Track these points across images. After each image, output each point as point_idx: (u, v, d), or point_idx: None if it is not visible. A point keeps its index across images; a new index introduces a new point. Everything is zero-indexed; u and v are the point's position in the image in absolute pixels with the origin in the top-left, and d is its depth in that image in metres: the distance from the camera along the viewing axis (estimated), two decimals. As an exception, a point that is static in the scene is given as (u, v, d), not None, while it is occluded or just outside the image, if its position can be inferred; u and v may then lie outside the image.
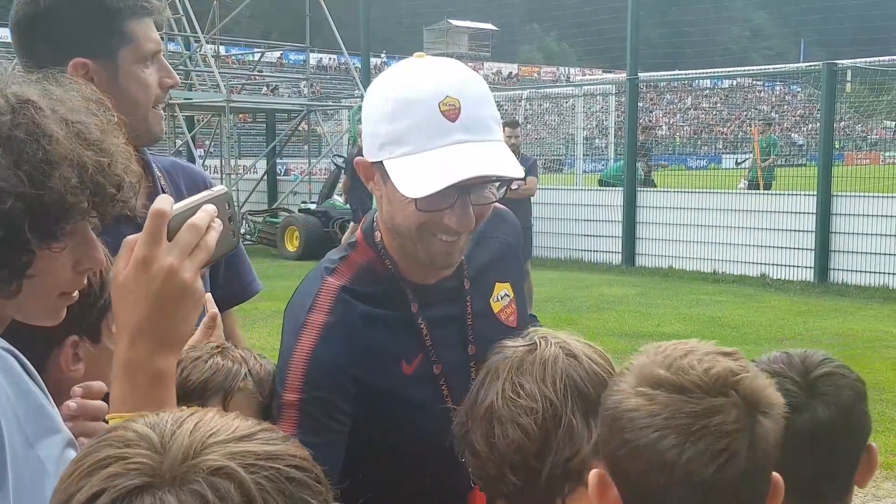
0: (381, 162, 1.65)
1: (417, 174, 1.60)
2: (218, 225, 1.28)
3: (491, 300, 1.88)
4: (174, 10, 18.32)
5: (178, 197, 2.26)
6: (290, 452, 0.90)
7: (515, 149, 11.27)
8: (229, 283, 2.37)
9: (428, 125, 1.61)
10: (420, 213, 1.65)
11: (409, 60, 1.72)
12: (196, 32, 19.00)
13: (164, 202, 1.25)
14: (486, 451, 1.49)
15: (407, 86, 1.65)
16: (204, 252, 1.26)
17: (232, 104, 18.14)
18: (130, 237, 1.25)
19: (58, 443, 1.20)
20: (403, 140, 1.62)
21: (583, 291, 12.39)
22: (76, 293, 1.33)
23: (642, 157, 15.10)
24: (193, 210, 1.27)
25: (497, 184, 1.69)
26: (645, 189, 14.94)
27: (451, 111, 1.61)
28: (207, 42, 19.53)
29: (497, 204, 1.95)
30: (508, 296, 1.92)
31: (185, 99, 18.26)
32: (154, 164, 2.25)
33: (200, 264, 1.26)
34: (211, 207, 1.28)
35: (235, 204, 1.67)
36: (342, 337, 1.71)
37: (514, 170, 1.63)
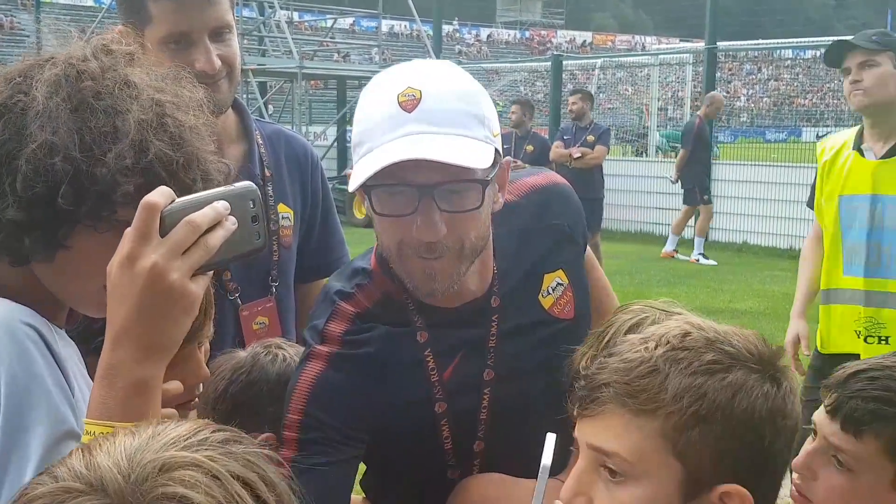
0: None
1: (362, 170, 1.45)
2: (230, 223, 1.16)
3: (539, 297, 1.73)
4: (249, -24, 18.45)
5: (276, 165, 2.30)
6: (202, 423, 0.87)
7: (520, 125, 10.89)
8: (318, 254, 2.38)
9: (384, 119, 1.45)
10: (392, 228, 1.50)
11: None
12: (270, -2, 19.11)
13: (158, 194, 1.14)
14: None
15: (376, 83, 1.53)
16: (201, 252, 1.14)
17: (304, 70, 18.25)
18: (129, 228, 1.15)
19: (51, 434, 1.15)
20: (364, 139, 1.48)
21: (653, 265, 12.19)
22: None
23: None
24: (199, 206, 1.15)
25: (478, 186, 1.48)
26: (720, 162, 14.60)
27: (408, 102, 1.44)
28: (281, 8, 19.64)
29: (549, 181, 1.82)
30: (562, 284, 1.75)
31: (258, 65, 18.44)
32: (256, 130, 2.28)
33: (195, 265, 1.13)
34: (222, 204, 1.16)
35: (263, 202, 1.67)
36: (351, 367, 1.62)
37: (467, 159, 1.42)
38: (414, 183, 1.44)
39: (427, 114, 1.44)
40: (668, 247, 12.97)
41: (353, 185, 1.47)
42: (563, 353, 1.67)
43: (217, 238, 1.15)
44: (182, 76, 1.33)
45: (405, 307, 1.65)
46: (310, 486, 1.54)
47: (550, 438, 1.27)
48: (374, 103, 1.49)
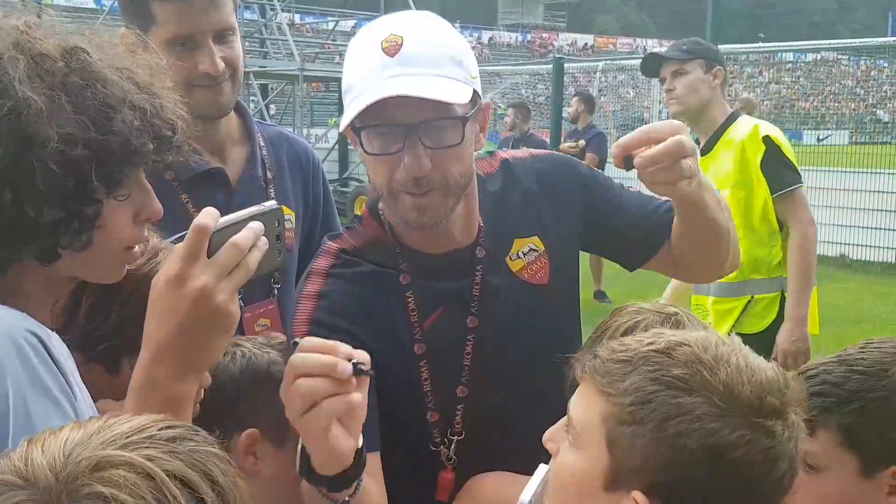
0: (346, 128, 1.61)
1: (350, 111, 1.54)
2: (263, 244, 1.21)
3: (507, 259, 1.77)
4: (251, -22, 18.46)
5: (278, 167, 2.32)
6: (153, 419, 0.89)
7: (514, 127, 10.93)
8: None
9: (369, 64, 1.54)
10: (382, 166, 1.59)
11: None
12: (272, 0, 19.11)
13: (207, 216, 1.18)
14: None
15: (362, 34, 1.63)
16: (243, 273, 1.18)
17: (305, 73, 18.26)
18: (179, 247, 1.18)
19: None
20: (353, 86, 1.57)
21: (654, 267, 12.17)
22: (137, 248, 1.30)
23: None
24: (239, 227, 1.20)
25: (457, 122, 1.57)
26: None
27: (391, 47, 1.53)
28: (283, 10, 19.64)
29: (523, 154, 1.89)
30: (535, 250, 1.79)
31: (259, 67, 18.44)
32: (258, 132, 2.28)
33: (238, 286, 1.18)
34: (257, 225, 1.21)
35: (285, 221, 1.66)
36: (339, 297, 1.69)
37: (446, 95, 1.51)
38: (399, 122, 1.54)
39: (409, 57, 1.53)
40: None
41: (343, 126, 1.57)
42: (539, 315, 1.75)
43: (255, 259, 1.19)
44: (86, 30, 1.31)
45: (391, 250, 1.72)
46: None
47: (540, 470, 1.29)
48: (360, 51, 1.59)
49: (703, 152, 4.06)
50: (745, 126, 4.02)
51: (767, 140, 3.95)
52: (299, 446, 1.37)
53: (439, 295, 1.72)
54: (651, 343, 1.23)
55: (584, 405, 1.26)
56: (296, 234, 2.32)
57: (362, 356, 1.27)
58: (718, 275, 1.94)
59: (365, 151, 1.59)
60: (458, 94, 1.54)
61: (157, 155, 1.24)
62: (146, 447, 0.84)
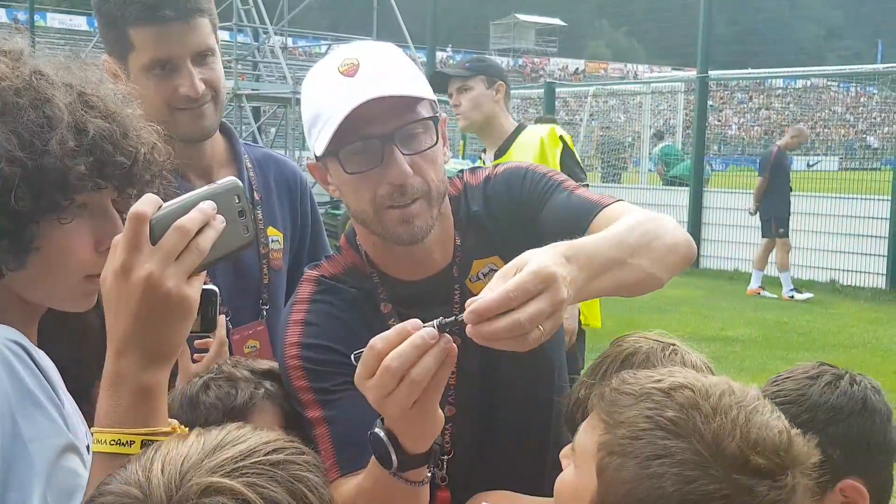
0: (322, 156, 1.62)
1: (324, 134, 1.56)
2: (218, 223, 1.18)
3: (467, 282, 1.76)
4: (244, 2, 18.56)
5: (265, 188, 2.32)
6: (264, 440, 0.95)
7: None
8: None
9: (331, 90, 1.57)
10: (365, 184, 1.59)
11: None
12: (265, 24, 19.21)
13: (145, 203, 1.15)
14: None
15: (314, 71, 1.67)
16: (194, 255, 1.15)
17: (298, 96, 18.32)
18: (118, 237, 1.17)
19: (53, 447, 1.16)
20: (318, 116, 1.59)
21: (645, 292, 12.17)
22: None
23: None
24: (186, 209, 1.17)
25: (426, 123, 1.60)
26: (710, 190, 14.67)
27: (348, 69, 1.57)
28: (276, 34, 19.73)
29: (476, 177, 1.83)
30: (495, 269, 1.75)
31: (252, 90, 18.50)
32: (244, 154, 2.29)
33: (189, 269, 1.15)
34: (208, 205, 1.18)
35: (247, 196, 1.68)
36: (325, 321, 1.69)
37: (414, 90, 1.56)
38: (374, 135, 1.56)
39: (366, 75, 1.56)
40: (754, 284, 12.29)
41: (319, 150, 1.58)
42: None
43: (207, 239, 1.17)
44: (81, 59, 1.34)
45: (370, 278, 1.73)
46: (353, 425, 1.53)
47: None
48: (317, 85, 1.62)
49: (496, 157, 4.30)
50: (538, 129, 4.37)
51: (562, 139, 4.32)
52: (377, 434, 1.37)
53: (425, 318, 1.70)
54: (658, 381, 1.22)
55: (586, 429, 1.28)
56: (284, 255, 2.32)
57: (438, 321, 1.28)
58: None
59: (347, 173, 1.59)
60: (423, 90, 1.60)
61: (110, 181, 1.24)
62: (252, 474, 0.91)
